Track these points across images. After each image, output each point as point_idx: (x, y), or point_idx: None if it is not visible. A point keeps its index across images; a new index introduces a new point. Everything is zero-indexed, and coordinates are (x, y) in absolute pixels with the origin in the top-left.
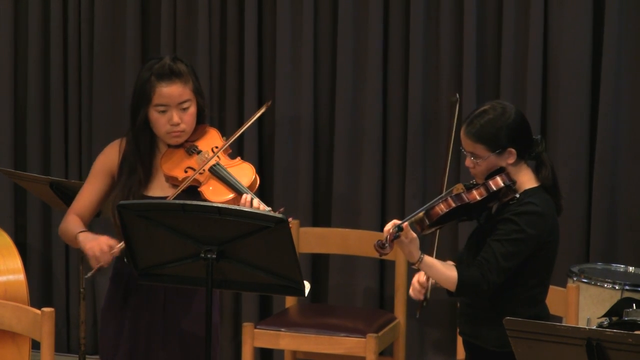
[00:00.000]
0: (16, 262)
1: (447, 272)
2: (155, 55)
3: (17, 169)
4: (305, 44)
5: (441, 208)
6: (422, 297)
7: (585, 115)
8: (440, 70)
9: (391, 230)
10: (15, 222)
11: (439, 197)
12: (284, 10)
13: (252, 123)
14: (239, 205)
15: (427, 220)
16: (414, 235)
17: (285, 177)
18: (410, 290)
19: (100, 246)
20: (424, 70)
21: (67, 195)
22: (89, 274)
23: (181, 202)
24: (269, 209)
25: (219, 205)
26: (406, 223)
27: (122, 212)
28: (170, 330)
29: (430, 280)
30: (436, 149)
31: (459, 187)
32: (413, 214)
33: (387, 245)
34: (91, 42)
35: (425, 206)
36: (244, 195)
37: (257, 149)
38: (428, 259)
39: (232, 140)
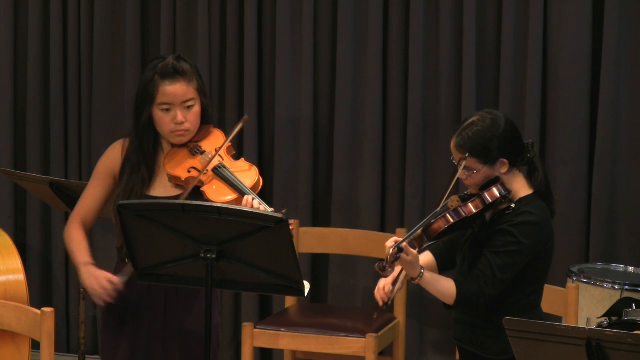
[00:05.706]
0: (16, 262)
1: (445, 287)
2: (156, 55)
3: (17, 169)
4: (305, 44)
5: (440, 225)
6: (386, 300)
7: (585, 115)
8: (440, 70)
9: (391, 252)
10: (15, 222)
11: (435, 212)
12: (284, 10)
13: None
14: (240, 205)
15: (425, 238)
16: (415, 252)
17: (285, 177)
18: (376, 291)
19: (100, 283)
20: (424, 70)
21: (67, 195)
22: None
23: (181, 202)
24: (272, 209)
25: (219, 205)
26: (405, 243)
27: (121, 212)
28: (170, 331)
29: (396, 288)
30: (436, 149)
31: (454, 199)
32: (411, 232)
33: (388, 267)
34: (91, 42)
35: (422, 222)
36: (246, 196)
37: (257, 149)
38: (428, 274)
39: (221, 148)
